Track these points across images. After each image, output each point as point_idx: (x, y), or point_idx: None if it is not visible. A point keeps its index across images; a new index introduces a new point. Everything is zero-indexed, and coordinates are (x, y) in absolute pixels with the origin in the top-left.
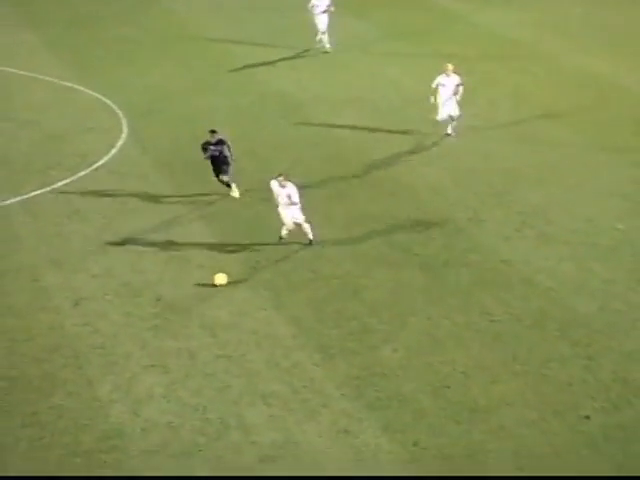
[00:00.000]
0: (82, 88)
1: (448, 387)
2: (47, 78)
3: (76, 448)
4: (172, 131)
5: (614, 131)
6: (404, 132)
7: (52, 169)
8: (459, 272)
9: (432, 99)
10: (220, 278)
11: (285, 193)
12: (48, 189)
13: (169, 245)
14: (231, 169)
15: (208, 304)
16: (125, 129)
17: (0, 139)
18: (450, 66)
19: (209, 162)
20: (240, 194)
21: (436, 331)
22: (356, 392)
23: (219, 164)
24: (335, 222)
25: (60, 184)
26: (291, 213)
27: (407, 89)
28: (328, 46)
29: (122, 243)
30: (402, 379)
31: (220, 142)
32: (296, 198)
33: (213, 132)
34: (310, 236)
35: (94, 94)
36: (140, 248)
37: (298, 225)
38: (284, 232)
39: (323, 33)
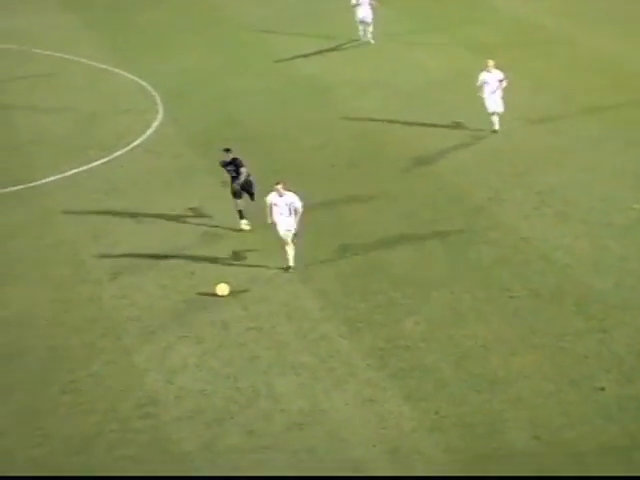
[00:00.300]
0: (119, 71)
1: (469, 359)
2: (86, 61)
3: (113, 415)
4: (206, 112)
5: (631, 114)
6: (428, 114)
7: (91, 148)
8: (480, 249)
9: (481, 93)
10: (222, 289)
11: (284, 202)
12: (87, 167)
13: (203, 221)
14: (252, 190)
15: (240, 279)
16: (161, 110)
17: (42, 120)
18: (491, 62)
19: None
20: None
21: (457, 305)
22: (380, 363)
23: (239, 184)
24: (360, 199)
25: (98, 163)
26: (287, 223)
27: (431, 73)
28: (370, 37)
29: (158, 219)
30: (425, 351)
31: (234, 162)
32: (299, 204)
33: (227, 150)
34: (290, 262)
35: (131, 76)
36: (175, 224)
37: (287, 238)
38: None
39: (368, 25)
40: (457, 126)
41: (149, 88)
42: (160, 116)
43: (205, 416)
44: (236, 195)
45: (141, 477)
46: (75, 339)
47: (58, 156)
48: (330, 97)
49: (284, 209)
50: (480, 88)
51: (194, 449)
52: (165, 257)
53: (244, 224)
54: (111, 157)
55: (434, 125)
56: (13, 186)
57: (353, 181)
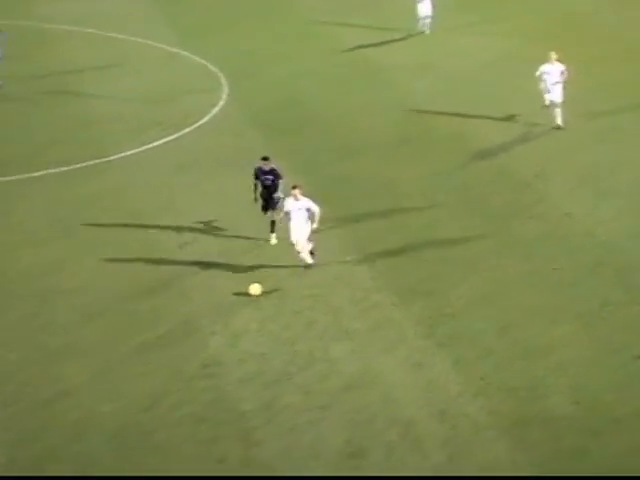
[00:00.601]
0: (188, 54)
1: (512, 327)
2: (158, 45)
3: (178, 375)
4: (268, 93)
5: None
6: (475, 94)
7: (160, 126)
8: (525, 223)
9: (541, 85)
10: (254, 289)
11: (298, 207)
12: (157, 144)
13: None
14: (280, 203)
15: (288, 255)
16: (225, 91)
17: (116, 99)
18: (554, 54)
19: (260, 191)
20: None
21: (503, 276)
22: (429, 330)
23: (270, 194)
24: (412, 175)
25: (167, 139)
26: (299, 232)
27: (480, 58)
28: (427, 28)
29: (220, 193)
30: (471, 319)
31: (272, 172)
32: (316, 208)
33: (265, 159)
34: (309, 261)
35: (198, 59)
36: (237, 198)
37: (299, 246)
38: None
39: (426, 18)
40: (505, 107)
41: (215, 70)
42: (225, 96)
43: (265, 377)
44: (270, 206)
45: (142, 477)
46: (145, 304)
47: (130, 133)
48: (385, 80)
49: (299, 215)
50: (539, 78)
51: (253, 408)
52: (226, 229)
53: (274, 238)
54: (179, 134)
55: (482, 106)
56: (89, 160)
57: (405, 158)
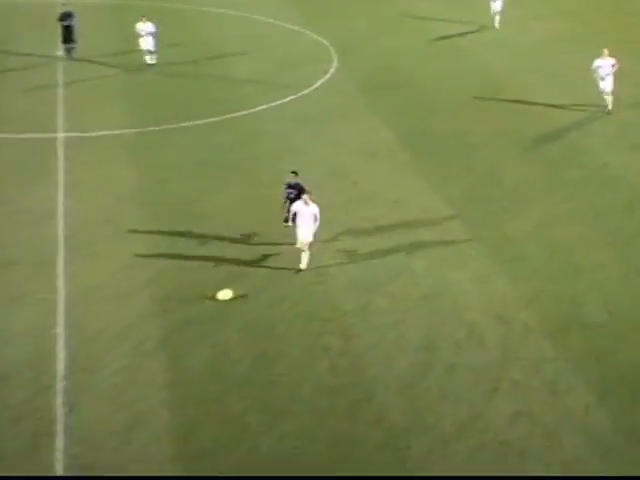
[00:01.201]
0: (307, 31)
1: (559, 252)
2: (283, 24)
3: (296, 281)
4: (368, 63)
5: None
6: (537, 67)
7: (285, 88)
8: (570, 170)
9: (595, 76)
10: (224, 294)
11: (309, 212)
12: (283, 101)
13: (366, 144)
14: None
15: (383, 189)
16: (335, 61)
17: (252, 65)
18: (606, 51)
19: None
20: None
21: (552, 211)
22: (493, 252)
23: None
24: (481, 131)
25: (290, 98)
26: (306, 232)
27: (539, 36)
28: (497, 25)
29: (333, 141)
30: (526, 244)
31: (296, 186)
32: (318, 216)
33: (294, 173)
34: (302, 266)
35: (315, 36)
36: (346, 144)
37: (305, 245)
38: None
39: (497, 14)
40: (556, 76)
41: (328, 45)
42: (335, 65)
43: (362, 284)
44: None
45: (143, 477)
46: (266, 227)
47: (262, 93)
48: (463, 54)
49: (308, 218)
50: (595, 71)
51: (352, 309)
52: (337, 171)
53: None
54: (299, 95)
55: (540, 74)
56: (230, 114)
57: (476, 116)
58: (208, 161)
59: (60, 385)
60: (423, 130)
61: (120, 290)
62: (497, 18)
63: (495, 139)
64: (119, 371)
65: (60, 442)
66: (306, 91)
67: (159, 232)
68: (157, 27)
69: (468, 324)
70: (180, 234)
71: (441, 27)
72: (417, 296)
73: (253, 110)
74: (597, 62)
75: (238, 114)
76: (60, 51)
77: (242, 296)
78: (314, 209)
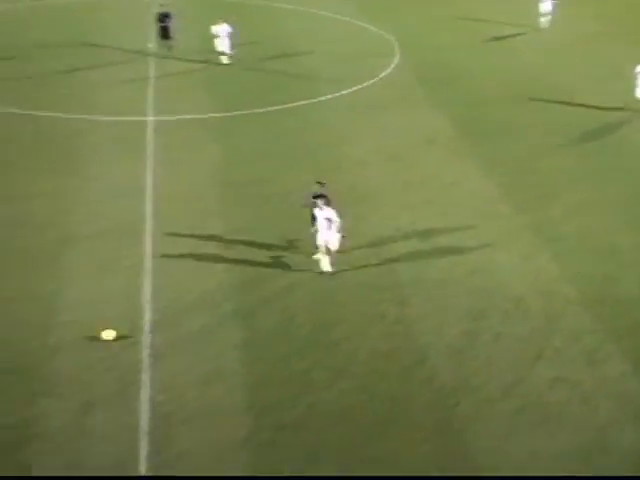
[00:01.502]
0: (369, 26)
1: (596, 233)
2: (347, 19)
3: (356, 254)
4: (427, 58)
5: None
6: (579, 65)
7: (350, 78)
8: (606, 159)
9: (636, 82)
10: (107, 334)
11: (323, 216)
12: (349, 91)
13: (424, 131)
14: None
15: (440, 172)
16: (397, 55)
17: (319, 59)
18: None
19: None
20: None
21: (590, 196)
22: (536, 232)
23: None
24: (524, 121)
25: (354, 89)
26: (326, 237)
27: (576, 31)
28: (547, 25)
29: (392, 125)
30: (566, 226)
31: (320, 196)
32: (336, 220)
33: (321, 184)
34: (326, 268)
35: (377, 30)
36: (405, 131)
37: (329, 250)
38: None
39: (547, 14)
40: (599, 75)
41: (390, 39)
42: (397, 58)
43: (417, 257)
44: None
45: (144, 477)
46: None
47: (329, 83)
48: (510, 51)
49: (323, 223)
50: (635, 77)
51: (408, 279)
52: (397, 155)
53: (319, 256)
54: (363, 85)
55: (583, 72)
56: (299, 101)
57: (522, 108)
58: (270, 145)
59: (147, 340)
60: (476, 119)
61: (201, 260)
62: (545, 19)
63: (538, 129)
64: (199, 330)
65: (146, 391)
66: (369, 82)
67: (236, 209)
68: (233, 28)
69: (514, 297)
70: (255, 212)
71: (491, 27)
72: (468, 271)
73: (321, 99)
74: (638, 68)
75: (306, 102)
76: (151, 43)
77: (125, 337)
78: (327, 213)
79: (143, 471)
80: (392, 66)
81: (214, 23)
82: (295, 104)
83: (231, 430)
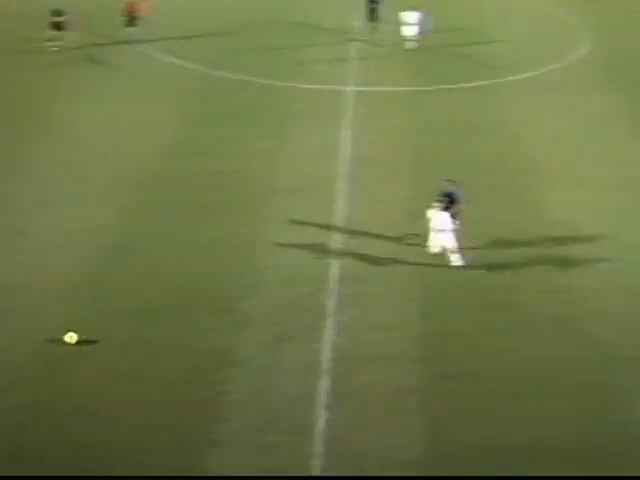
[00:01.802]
0: (563, 12)
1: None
2: (538, 5)
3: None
4: (616, 44)
5: None
6: None
7: (539, 62)
8: None
9: None
10: (69, 337)
11: (437, 220)
12: (538, 72)
13: (602, 113)
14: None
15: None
16: (589, 41)
17: (501, 41)
18: None
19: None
20: None
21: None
22: None
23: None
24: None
25: (543, 71)
26: (438, 238)
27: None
28: None
29: (574, 112)
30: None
31: (449, 195)
32: (445, 226)
33: (448, 180)
34: (457, 262)
35: (569, 16)
36: (584, 114)
37: (444, 250)
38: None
39: None
40: None
41: (584, 24)
42: (587, 45)
43: (587, 234)
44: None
45: (144, 477)
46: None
47: (510, 67)
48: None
49: (437, 226)
50: None
51: (579, 259)
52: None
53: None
54: (552, 67)
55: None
56: (489, 80)
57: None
58: (465, 118)
59: (335, 289)
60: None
61: (385, 221)
62: None
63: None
64: (383, 285)
65: (329, 333)
66: (557, 65)
67: (421, 174)
68: (424, 15)
69: None
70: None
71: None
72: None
73: (510, 78)
74: None
75: (496, 81)
76: (356, 22)
77: (88, 341)
78: (441, 218)
79: (322, 405)
80: (582, 52)
81: (404, 10)
82: (487, 82)
83: (403, 376)
